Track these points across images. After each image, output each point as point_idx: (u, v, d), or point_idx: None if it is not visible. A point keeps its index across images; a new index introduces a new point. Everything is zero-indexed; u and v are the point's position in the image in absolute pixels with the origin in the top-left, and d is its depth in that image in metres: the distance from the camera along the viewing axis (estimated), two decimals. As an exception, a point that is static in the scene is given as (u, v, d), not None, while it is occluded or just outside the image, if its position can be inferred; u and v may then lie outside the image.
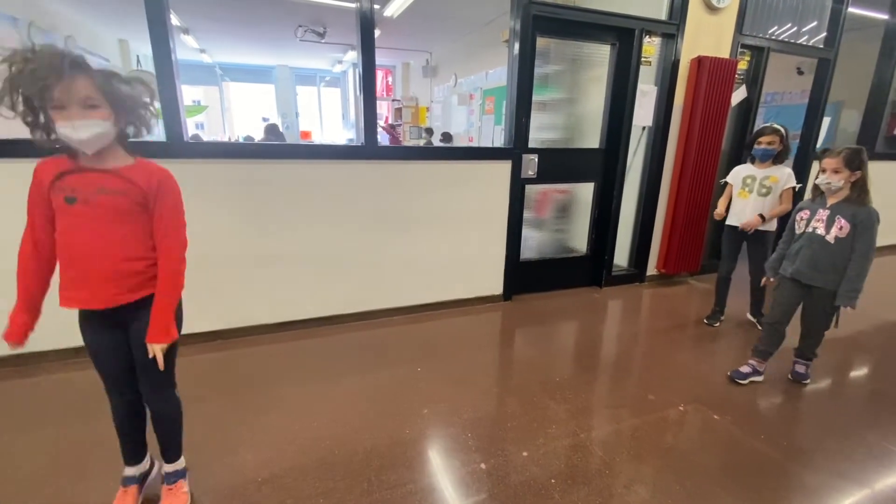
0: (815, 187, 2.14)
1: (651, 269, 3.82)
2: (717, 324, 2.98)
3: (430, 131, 7.66)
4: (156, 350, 1.24)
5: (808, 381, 2.30)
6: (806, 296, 2.18)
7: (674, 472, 1.67)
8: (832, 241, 2.04)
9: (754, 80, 3.73)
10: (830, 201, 2.09)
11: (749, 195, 2.75)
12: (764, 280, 2.41)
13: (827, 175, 2.05)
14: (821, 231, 2.08)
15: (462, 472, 1.65)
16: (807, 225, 2.14)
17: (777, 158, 2.69)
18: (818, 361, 2.33)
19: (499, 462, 1.70)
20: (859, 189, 2.02)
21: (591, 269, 3.67)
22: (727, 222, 2.89)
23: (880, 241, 2.01)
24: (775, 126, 2.66)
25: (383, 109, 9.29)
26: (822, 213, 2.08)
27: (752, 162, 2.79)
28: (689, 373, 2.41)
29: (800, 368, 2.31)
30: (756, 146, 2.70)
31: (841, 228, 2.02)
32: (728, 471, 1.68)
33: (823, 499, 1.58)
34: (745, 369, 2.30)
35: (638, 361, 2.50)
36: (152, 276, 1.25)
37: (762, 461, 1.74)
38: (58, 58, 1.03)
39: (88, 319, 1.27)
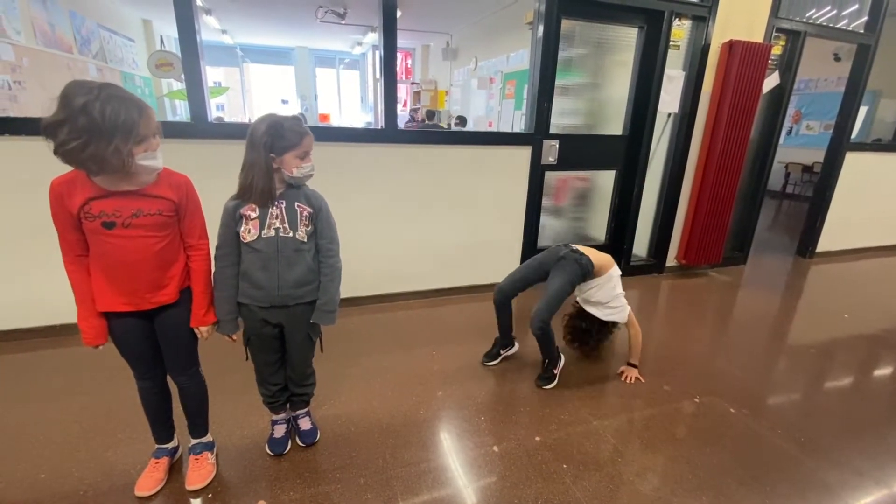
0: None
1: (671, 260, 3.76)
2: (495, 362, 2.29)
3: (430, 115, 6.64)
4: (201, 331, 1.40)
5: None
6: None
7: (687, 462, 1.67)
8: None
9: (788, 65, 3.58)
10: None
11: None
12: None
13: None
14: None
15: (475, 453, 1.68)
16: None
17: None
18: (840, 359, 2.27)
19: (511, 445, 1.72)
20: None
21: (609, 258, 3.62)
22: None
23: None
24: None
25: (402, 92, 9.23)
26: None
27: None
28: (706, 365, 2.38)
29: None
30: None
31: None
32: (743, 463, 1.67)
33: (842, 497, 1.56)
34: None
35: (654, 352, 2.48)
36: (186, 275, 1.36)
37: (778, 456, 1.73)
38: (134, 99, 1.11)
39: (118, 314, 1.29)
